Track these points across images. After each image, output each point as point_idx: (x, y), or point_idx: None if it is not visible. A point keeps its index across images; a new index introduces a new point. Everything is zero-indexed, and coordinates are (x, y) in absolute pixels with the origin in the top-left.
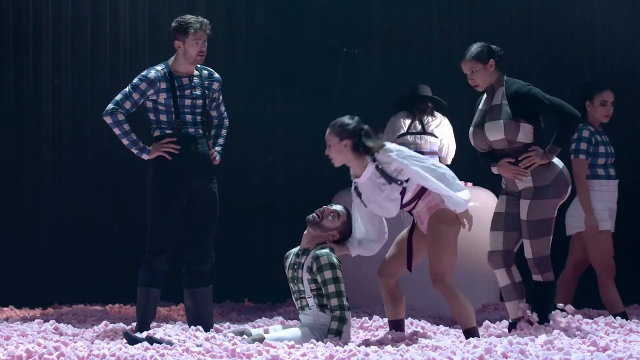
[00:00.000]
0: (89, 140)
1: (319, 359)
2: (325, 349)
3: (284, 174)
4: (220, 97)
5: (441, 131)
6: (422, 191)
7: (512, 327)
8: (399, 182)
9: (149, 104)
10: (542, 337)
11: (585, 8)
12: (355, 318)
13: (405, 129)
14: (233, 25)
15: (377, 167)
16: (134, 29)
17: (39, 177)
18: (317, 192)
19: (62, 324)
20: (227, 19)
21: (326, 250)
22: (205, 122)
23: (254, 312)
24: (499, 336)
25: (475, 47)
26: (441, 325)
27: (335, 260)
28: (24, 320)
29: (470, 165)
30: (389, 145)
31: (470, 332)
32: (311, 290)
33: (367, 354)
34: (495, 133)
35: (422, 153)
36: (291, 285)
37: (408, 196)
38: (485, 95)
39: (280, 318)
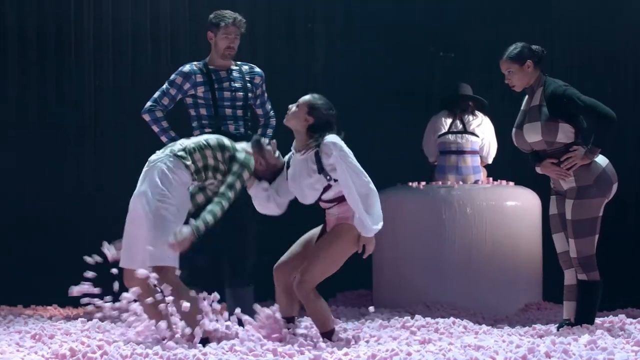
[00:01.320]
0: (130, 140)
1: (362, 358)
2: (367, 348)
3: None
4: (265, 94)
5: (482, 130)
6: (343, 197)
7: (561, 326)
8: (327, 178)
9: (189, 100)
10: (586, 337)
11: (628, 8)
12: (397, 317)
13: (446, 128)
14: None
15: (316, 153)
16: (175, 28)
17: (82, 177)
18: None
19: (105, 323)
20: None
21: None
22: (248, 120)
23: None
24: (541, 336)
25: (513, 48)
26: (484, 325)
27: (252, 164)
28: (68, 318)
29: (513, 164)
30: (339, 142)
31: (325, 336)
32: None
33: (409, 354)
34: (533, 135)
35: (463, 152)
36: None
37: (329, 195)
38: (527, 96)
39: None
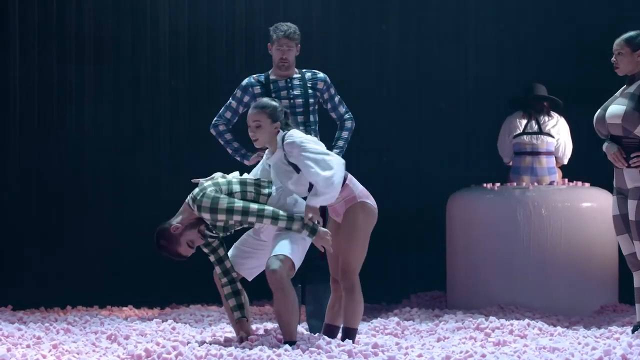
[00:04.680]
0: (205, 142)
1: None
2: (441, 350)
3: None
4: (336, 97)
5: (558, 131)
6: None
7: (636, 329)
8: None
9: None
10: None
11: None
12: (471, 319)
13: (521, 129)
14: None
15: (284, 155)
16: (250, 32)
17: (158, 177)
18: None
19: (179, 324)
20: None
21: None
22: (311, 125)
23: (370, 312)
24: (618, 339)
25: (633, 32)
26: (559, 327)
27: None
28: (143, 319)
29: (588, 165)
30: (296, 138)
31: (349, 332)
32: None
33: (483, 355)
34: (614, 116)
35: (538, 153)
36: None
37: None
38: (625, 84)
39: (396, 319)
